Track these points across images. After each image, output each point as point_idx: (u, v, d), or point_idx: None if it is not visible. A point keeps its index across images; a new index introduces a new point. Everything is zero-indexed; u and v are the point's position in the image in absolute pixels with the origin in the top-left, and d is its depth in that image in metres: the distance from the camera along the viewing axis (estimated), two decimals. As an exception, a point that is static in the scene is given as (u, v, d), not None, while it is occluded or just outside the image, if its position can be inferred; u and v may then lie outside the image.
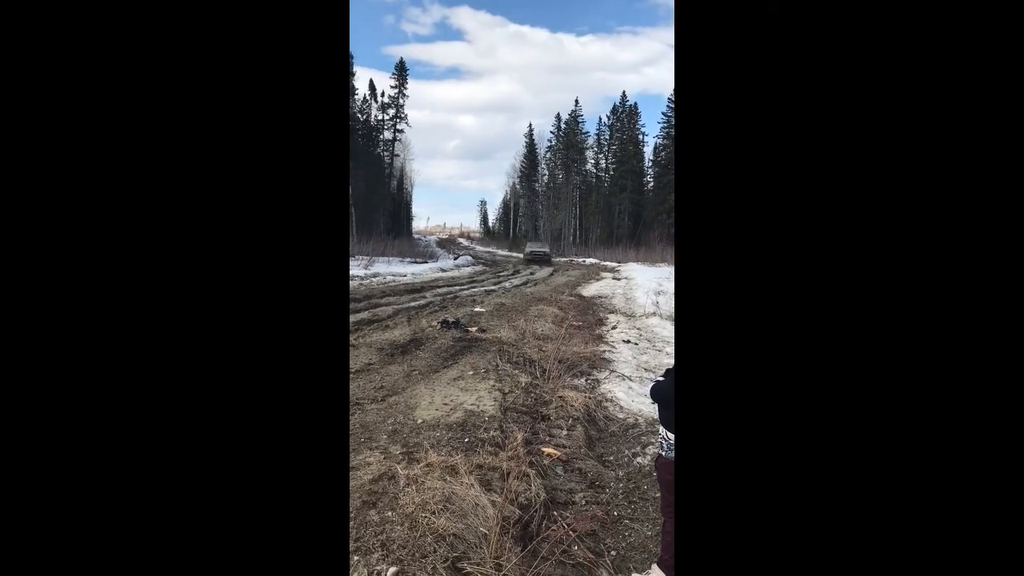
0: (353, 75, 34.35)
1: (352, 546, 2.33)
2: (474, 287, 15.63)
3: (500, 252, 45.24)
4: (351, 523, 2.51)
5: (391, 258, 24.27)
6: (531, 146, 52.80)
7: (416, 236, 46.30)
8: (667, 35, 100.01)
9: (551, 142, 50.57)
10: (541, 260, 33.58)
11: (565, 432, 4.12)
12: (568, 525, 2.75)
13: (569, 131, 48.29)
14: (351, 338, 7.15)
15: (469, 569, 2.24)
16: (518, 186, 54.46)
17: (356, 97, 36.05)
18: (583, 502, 3.16)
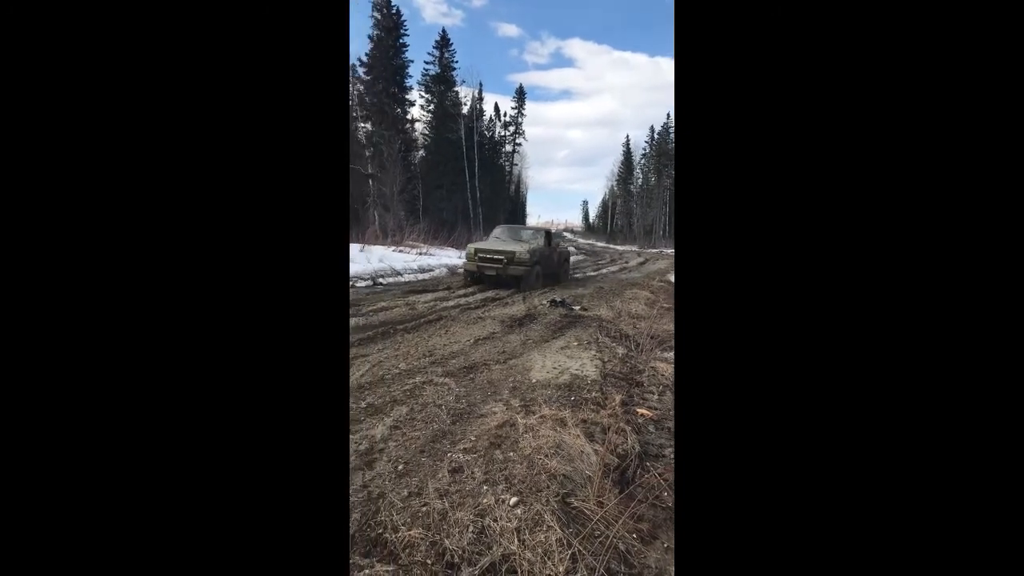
0: (481, 99, 34.84)
1: (482, 477, 2.40)
2: (576, 273, 15.49)
3: (599, 244, 44.32)
4: (481, 459, 2.59)
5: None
6: (628, 154, 51.39)
7: (529, 230, 46.42)
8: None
9: (645, 150, 48.94)
10: (508, 278, 9.70)
11: (656, 397, 4.00)
12: (660, 475, 2.67)
13: (661, 141, 46.45)
14: (479, 312, 7.32)
15: (576, 504, 2.23)
16: (615, 188, 53.23)
17: (484, 117, 36.58)
18: (672, 456, 3.06)
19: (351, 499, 2.22)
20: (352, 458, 2.60)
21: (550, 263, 11.06)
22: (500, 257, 9.91)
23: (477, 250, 10.20)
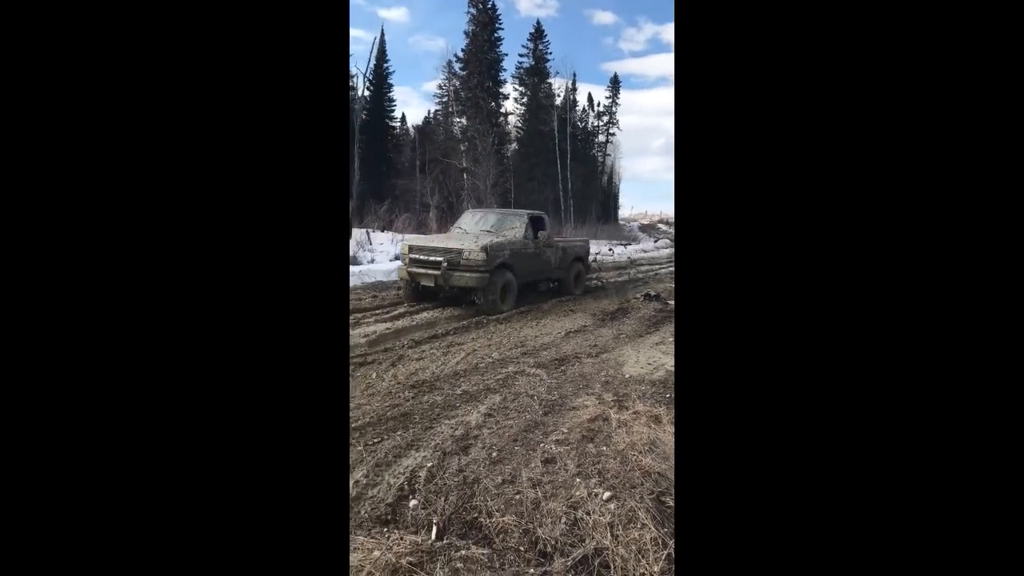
0: (575, 90, 34.50)
1: (574, 470, 2.40)
2: (672, 266, 14.97)
3: (695, 237, 42.17)
4: (573, 451, 2.58)
5: (601, 241, 24.22)
6: (728, 142, 48.81)
7: (621, 222, 45.43)
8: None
9: (748, 137, 46.23)
10: (452, 290, 6.58)
11: (758, 398, 3.79)
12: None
13: (766, 126, 43.66)
14: (570, 305, 7.29)
15: (672, 504, 2.17)
16: (714, 178, 50.78)
17: (577, 108, 36.20)
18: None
19: (447, 482, 2.30)
20: (448, 443, 2.70)
21: (537, 266, 7.49)
22: (437, 259, 6.48)
23: (411, 247, 6.89)
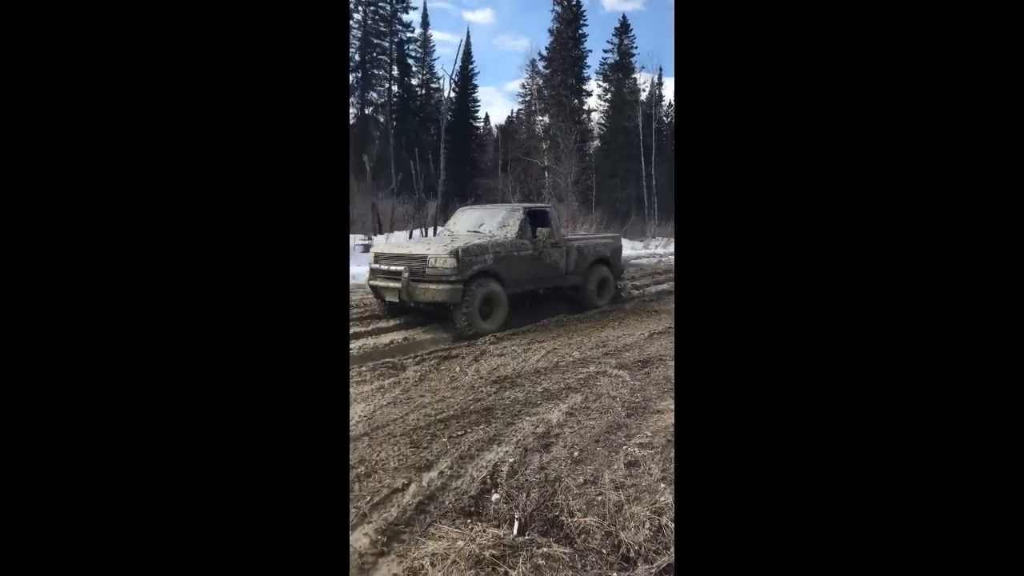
0: (661, 84, 33.45)
1: (659, 474, 2.33)
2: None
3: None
4: (658, 456, 2.51)
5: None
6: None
7: (708, 221, 43.62)
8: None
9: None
10: (419, 305, 5.30)
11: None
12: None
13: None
14: (654, 305, 7.10)
15: (765, 518, 2.06)
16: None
17: (663, 103, 35.14)
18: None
19: (528, 478, 2.32)
20: (530, 439, 2.71)
21: (538, 271, 6.04)
22: (397, 269, 5.33)
23: (376, 255, 5.86)
